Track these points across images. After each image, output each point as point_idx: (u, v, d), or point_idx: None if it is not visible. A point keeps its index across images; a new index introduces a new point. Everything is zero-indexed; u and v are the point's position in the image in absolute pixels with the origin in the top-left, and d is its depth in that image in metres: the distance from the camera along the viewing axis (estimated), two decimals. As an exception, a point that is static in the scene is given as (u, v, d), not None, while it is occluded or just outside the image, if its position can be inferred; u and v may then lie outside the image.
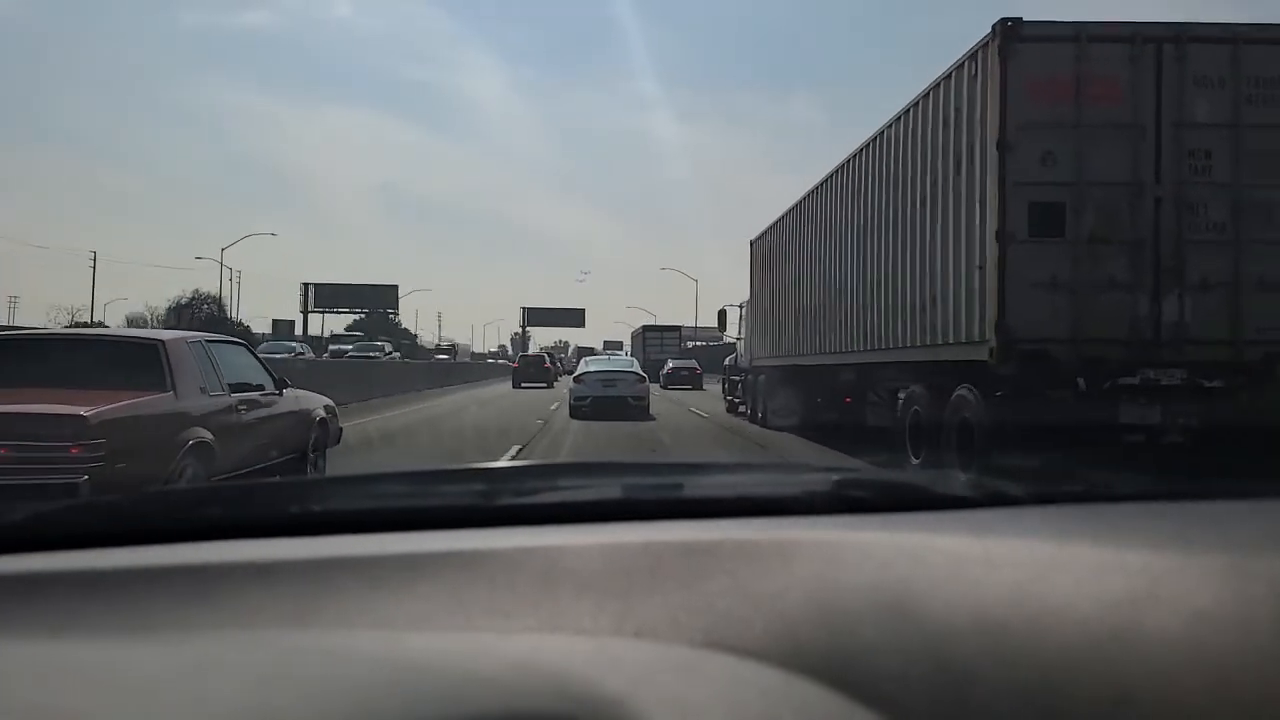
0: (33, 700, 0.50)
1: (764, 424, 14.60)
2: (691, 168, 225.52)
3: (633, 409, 16.62)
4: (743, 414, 17.09)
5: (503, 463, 1.33)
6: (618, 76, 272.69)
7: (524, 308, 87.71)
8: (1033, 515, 0.89)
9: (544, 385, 34.20)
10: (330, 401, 8.25)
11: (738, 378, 18.34)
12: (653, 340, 50.93)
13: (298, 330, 64.55)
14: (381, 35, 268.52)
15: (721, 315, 20.10)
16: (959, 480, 1.01)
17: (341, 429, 8.50)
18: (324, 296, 69.36)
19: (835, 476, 1.01)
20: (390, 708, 0.51)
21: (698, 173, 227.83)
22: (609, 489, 1.08)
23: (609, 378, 17.24)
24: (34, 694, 0.51)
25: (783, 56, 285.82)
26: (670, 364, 36.55)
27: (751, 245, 17.68)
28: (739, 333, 18.64)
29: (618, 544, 0.76)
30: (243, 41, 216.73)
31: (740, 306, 18.81)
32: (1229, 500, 0.96)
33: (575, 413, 16.71)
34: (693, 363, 36.75)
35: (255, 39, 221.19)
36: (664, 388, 33.36)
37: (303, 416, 7.31)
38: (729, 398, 19.46)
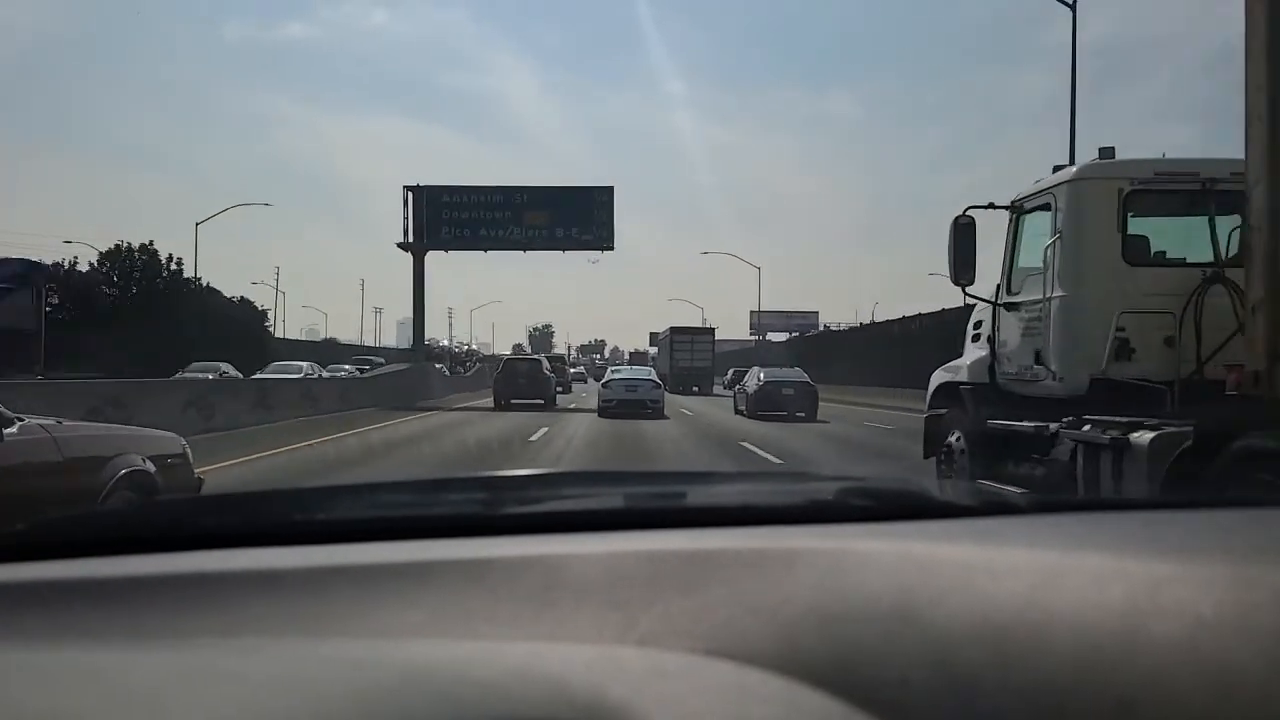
0: (36, 706, 0.50)
1: None
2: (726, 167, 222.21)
3: (649, 410, 21.09)
4: None
5: (505, 471, 1.23)
6: (649, 76, 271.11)
7: (409, 187, 32.20)
8: (1035, 524, 0.89)
9: (540, 403, 23.96)
10: (176, 444, 5.01)
11: (1000, 422, 6.42)
12: (681, 344, 41.66)
13: None
14: (413, 40, 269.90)
15: (965, 232, 6.45)
16: (962, 489, 1.01)
17: (202, 480, 5.28)
18: None
19: (838, 485, 1.02)
20: (392, 715, 0.52)
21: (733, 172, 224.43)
22: (611, 498, 1.08)
23: (631, 384, 22.07)
24: (37, 700, 0.51)
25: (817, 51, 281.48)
26: (760, 375, 22.18)
27: None
28: (1019, 287, 6.64)
29: (620, 552, 0.76)
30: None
31: (1022, 208, 6.64)
32: (1229, 509, 0.96)
33: (604, 412, 20.96)
34: (802, 376, 22.29)
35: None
36: (743, 413, 21.79)
37: (71, 470, 4.06)
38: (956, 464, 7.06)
